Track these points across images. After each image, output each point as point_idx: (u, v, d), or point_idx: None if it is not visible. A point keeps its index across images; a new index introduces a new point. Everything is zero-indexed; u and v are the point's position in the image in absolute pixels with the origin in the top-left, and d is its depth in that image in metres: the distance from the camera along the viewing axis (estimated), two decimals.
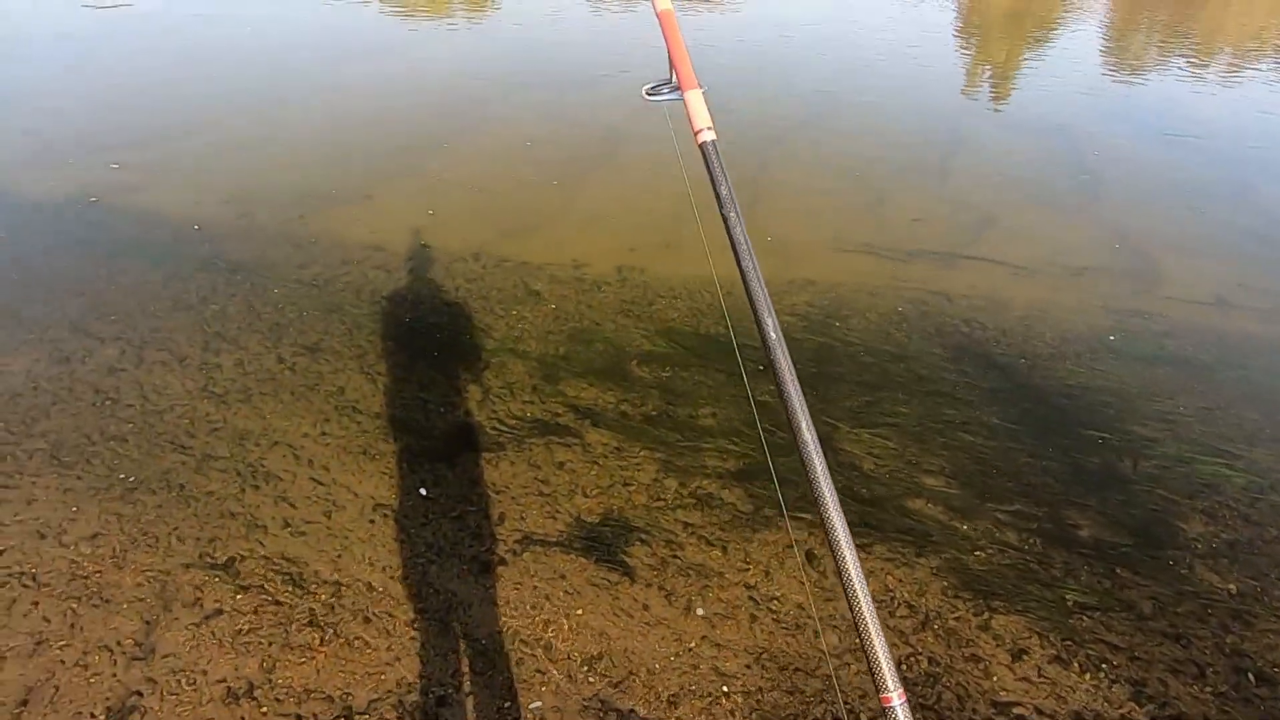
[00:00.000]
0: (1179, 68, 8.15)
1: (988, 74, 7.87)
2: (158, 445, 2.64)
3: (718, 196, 1.02)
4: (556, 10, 9.28)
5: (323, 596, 2.14)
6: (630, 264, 3.86)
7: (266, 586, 2.16)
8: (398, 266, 3.78)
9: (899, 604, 2.17)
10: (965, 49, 8.80)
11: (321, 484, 2.52)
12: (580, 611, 2.14)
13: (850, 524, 2.36)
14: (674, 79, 1.08)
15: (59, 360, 3.01)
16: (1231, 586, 2.22)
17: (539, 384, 3.02)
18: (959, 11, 11.06)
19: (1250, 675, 1.97)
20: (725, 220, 1.02)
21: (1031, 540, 2.37)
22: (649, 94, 1.09)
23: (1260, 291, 3.81)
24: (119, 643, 1.99)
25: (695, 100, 1.04)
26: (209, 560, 2.23)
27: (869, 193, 4.80)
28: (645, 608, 2.14)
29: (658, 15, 1.11)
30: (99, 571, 2.18)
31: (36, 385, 2.88)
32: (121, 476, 2.51)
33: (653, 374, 3.12)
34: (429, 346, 3.22)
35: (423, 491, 2.50)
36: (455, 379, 3.06)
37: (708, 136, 1.04)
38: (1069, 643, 2.05)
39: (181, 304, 3.41)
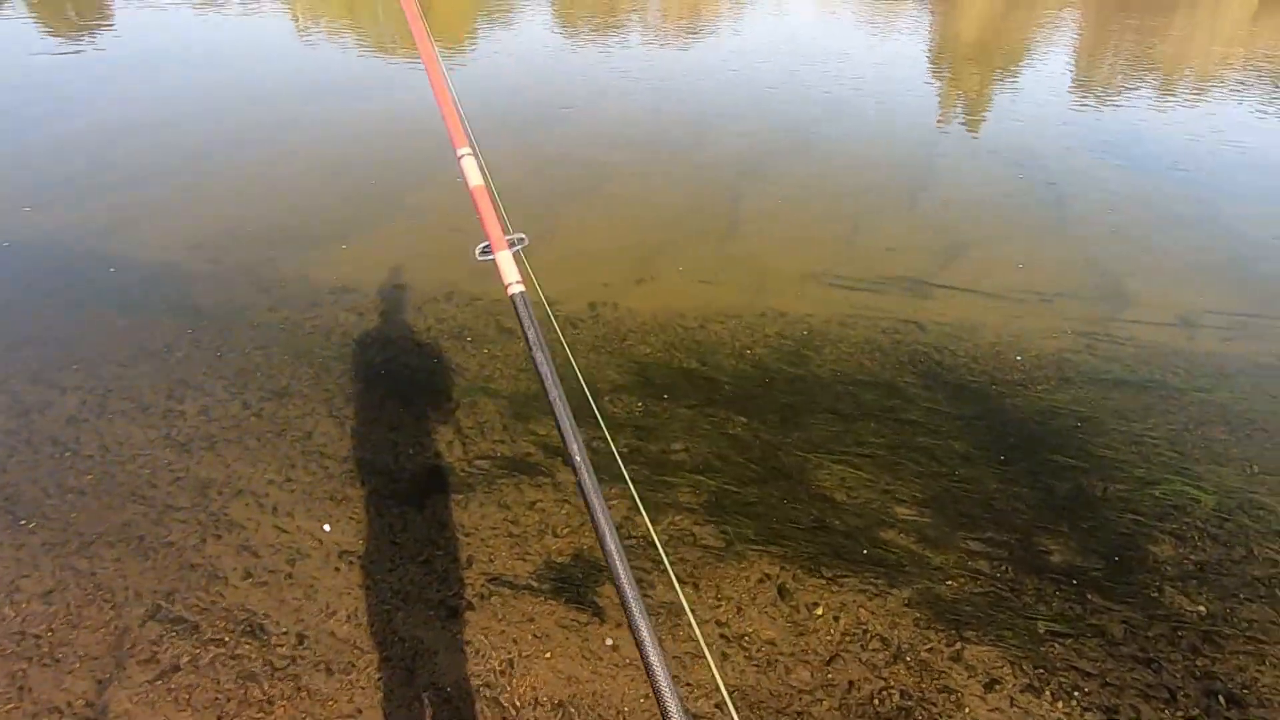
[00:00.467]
0: (1145, 95, 8.46)
1: (959, 104, 8.13)
2: (117, 497, 2.64)
3: (525, 340, 1.19)
4: (528, 46, 9.52)
5: (283, 648, 2.13)
6: (603, 299, 3.93)
7: (226, 639, 2.15)
8: (369, 308, 3.82)
9: (871, 637, 2.19)
10: (937, 79, 9.09)
11: (285, 532, 2.53)
12: (549, 655, 2.14)
13: (823, 556, 2.40)
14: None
15: (18, 413, 3.01)
16: (1201, 608, 2.26)
17: (510, 423, 3.06)
18: (930, 43, 11.45)
19: (1220, 698, 2.00)
20: (533, 360, 1.18)
21: (1003, 568, 2.41)
22: (479, 255, 1.30)
23: (1223, 313, 3.93)
24: (69, 704, 1.97)
25: (504, 260, 1.27)
26: (167, 614, 2.22)
27: (843, 223, 4.93)
28: (615, 649, 2.15)
29: (470, 191, 1.35)
30: (51, 630, 2.17)
31: None
32: (79, 530, 2.50)
33: (625, 409, 3.16)
34: (399, 388, 3.25)
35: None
36: (425, 420, 3.09)
37: (515, 290, 1.23)
38: (1041, 671, 2.08)
39: (145, 351, 3.42)
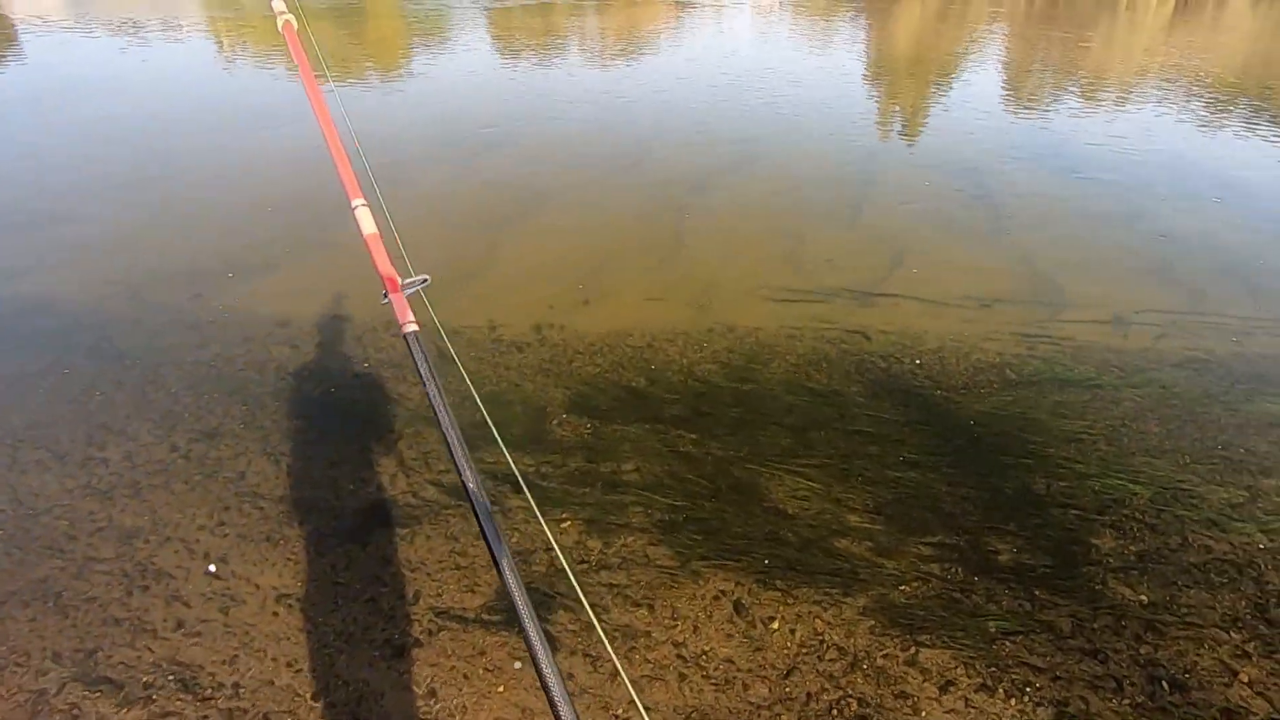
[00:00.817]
0: (1072, 104, 8.92)
1: (897, 116, 8.44)
2: (32, 553, 2.52)
3: (419, 375, 1.25)
4: (465, 68, 9.56)
5: (219, 701, 2.06)
6: (549, 322, 3.94)
7: (155, 696, 2.07)
8: (304, 341, 3.76)
9: (828, 647, 2.22)
10: (874, 93, 9.43)
11: (219, 579, 2.45)
12: (501, 689, 2.12)
13: (778, 569, 2.44)
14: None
15: None
16: (1143, 597, 2.37)
17: None
18: (866, 57, 11.89)
19: (1164, 684, 2.09)
20: (427, 394, 1.24)
21: (954, 570, 2.48)
22: (384, 301, 1.38)
23: (1154, 310, 4.15)
24: None
25: (398, 300, 1.36)
26: (88, 675, 2.12)
27: (787, 236, 5.05)
28: (570, 676, 2.14)
29: (365, 239, 1.45)
30: None
31: None
32: None
33: (574, 432, 3.17)
34: (339, 421, 3.20)
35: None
36: (367, 454, 3.04)
37: (410, 329, 1.31)
38: (993, 669, 2.14)
39: (63, 396, 3.30)
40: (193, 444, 3.04)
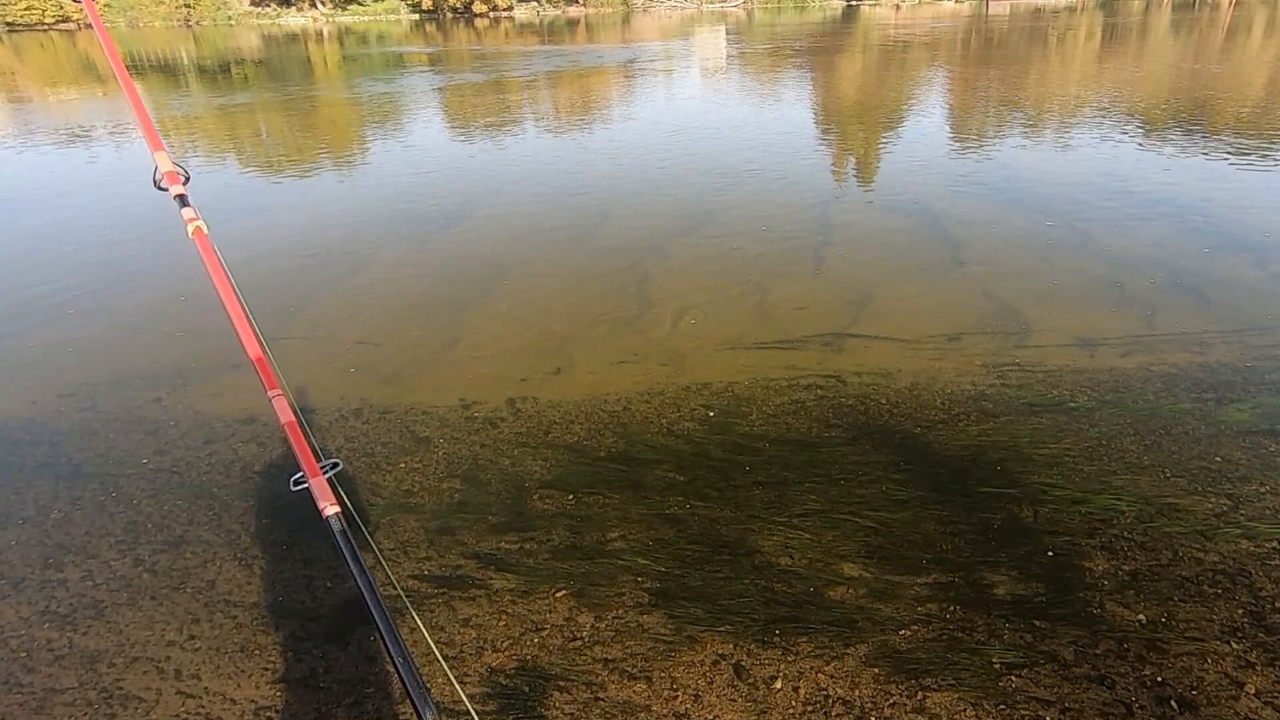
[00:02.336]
0: (1015, 138, 9.40)
1: (849, 162, 8.81)
2: None
3: (347, 564, 1.31)
4: (423, 149, 9.81)
5: None
6: (522, 394, 3.98)
7: None
8: (270, 436, 3.74)
9: (833, 701, 2.22)
10: (826, 142, 9.85)
11: (192, 696, 2.38)
12: None
13: (775, 625, 2.44)
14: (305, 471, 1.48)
15: None
16: (1141, 617, 2.41)
17: (435, 537, 3.01)
18: (814, 108, 12.45)
19: (1173, 703, 2.11)
20: (353, 574, 1.30)
21: (952, 609, 2.51)
22: (294, 486, 1.45)
23: (1116, 329, 4.32)
24: None
25: (319, 484, 1.43)
26: None
27: (752, 288, 5.19)
28: None
29: (284, 426, 1.53)
30: None
31: None
32: None
33: (555, 505, 3.17)
34: (311, 517, 3.16)
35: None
36: (328, 529, 3.01)
37: (330, 512, 1.38)
38: (1002, 707, 2.15)
39: (14, 517, 3.23)
40: (157, 555, 2.98)
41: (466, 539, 3.00)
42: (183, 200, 1.67)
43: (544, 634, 2.53)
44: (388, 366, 4.36)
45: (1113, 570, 2.60)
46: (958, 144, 9.29)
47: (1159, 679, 2.19)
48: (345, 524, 1.34)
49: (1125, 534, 2.76)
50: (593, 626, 2.56)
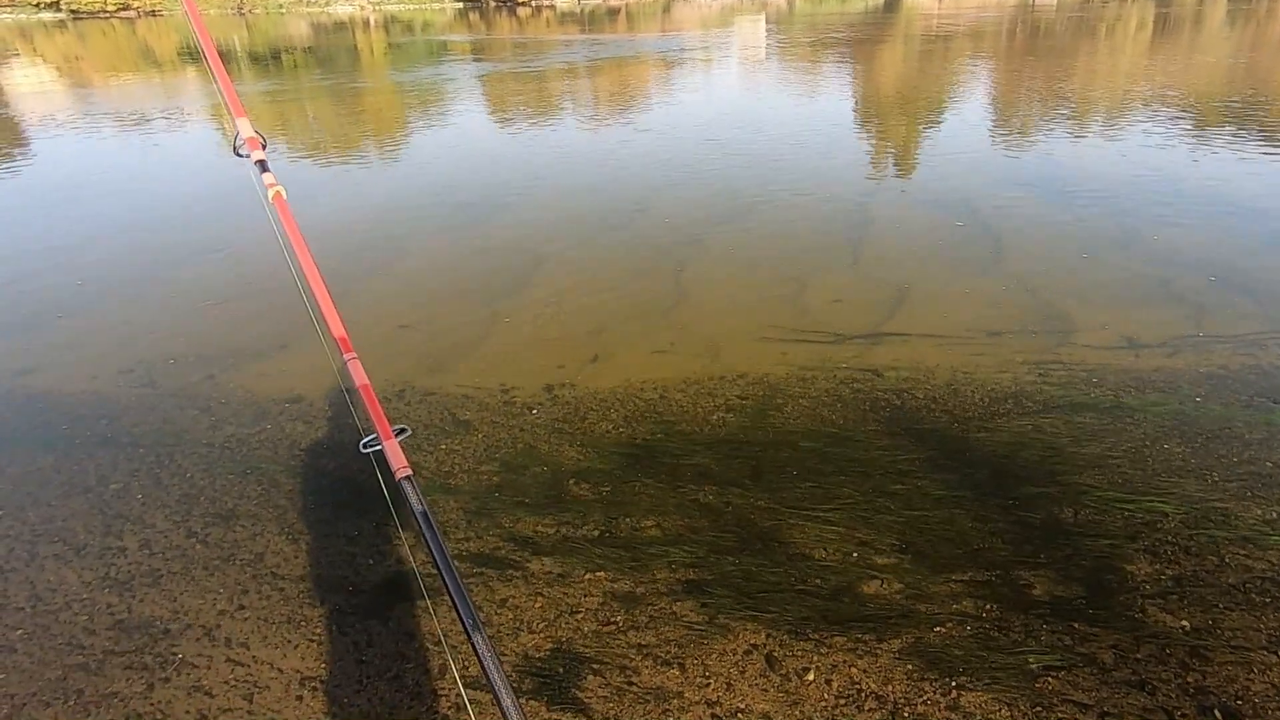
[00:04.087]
0: (1061, 131, 9.13)
1: (889, 154, 8.64)
2: (52, 650, 2.52)
3: (414, 516, 1.34)
4: (461, 137, 9.86)
5: None
6: (560, 381, 3.99)
7: None
8: (317, 415, 3.81)
9: (866, 696, 2.19)
10: (865, 134, 9.68)
11: (241, 664, 2.44)
12: None
13: (808, 618, 2.42)
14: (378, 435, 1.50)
15: None
16: (1184, 623, 2.33)
17: (473, 519, 3.04)
18: (854, 100, 12.22)
19: (1217, 712, 2.05)
20: (424, 537, 1.31)
21: (988, 607, 2.46)
22: (364, 448, 1.48)
23: (1163, 329, 4.18)
24: None
25: (392, 447, 1.46)
26: None
27: (789, 280, 5.13)
28: None
29: (359, 388, 1.54)
30: None
31: None
32: (10, 693, 2.38)
33: (592, 491, 3.18)
34: (354, 496, 3.22)
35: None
36: (384, 527, 3.06)
37: (402, 474, 1.40)
38: (1038, 709, 2.10)
39: (78, 487, 3.34)
40: (209, 528, 3.06)
41: (504, 521, 3.02)
42: (263, 165, 1.71)
43: (579, 617, 2.54)
44: (429, 350, 4.41)
45: (1156, 575, 2.52)
46: (1001, 138, 9.05)
47: (1203, 687, 2.12)
48: (416, 485, 1.37)
49: (1169, 538, 2.67)
50: (627, 612, 2.56)
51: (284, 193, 1.66)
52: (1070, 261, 5.21)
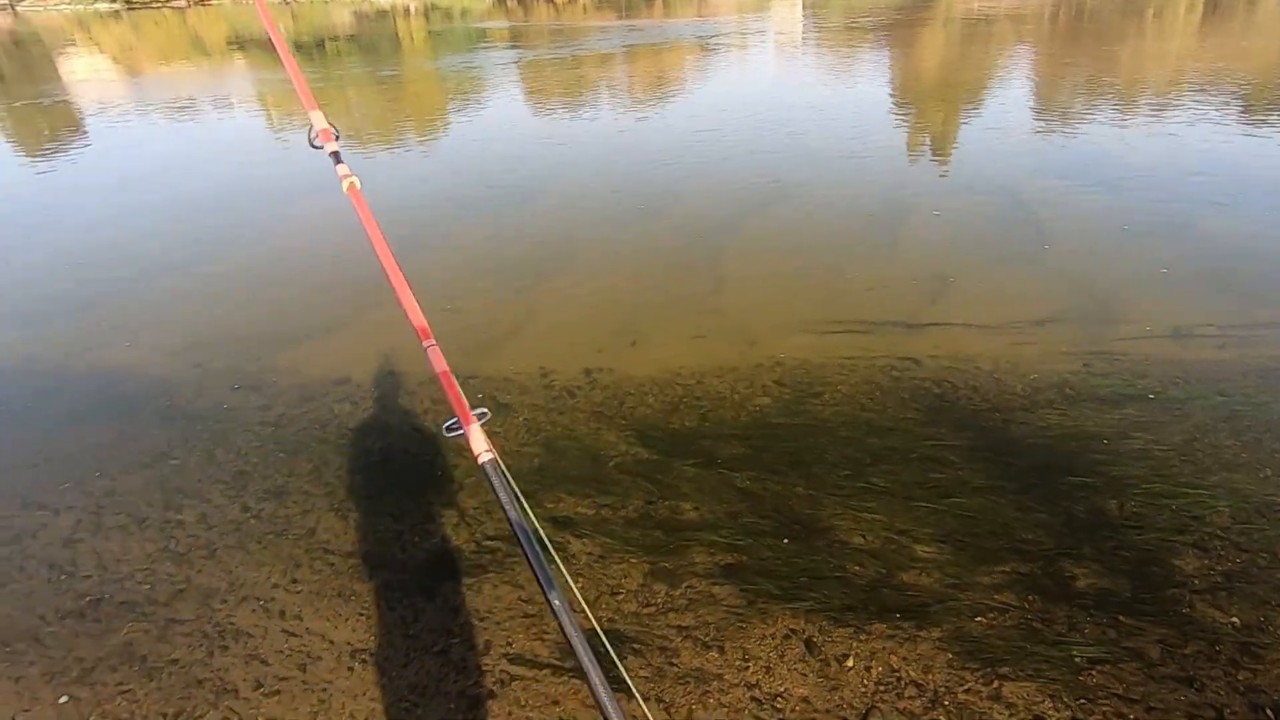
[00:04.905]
0: (1107, 117, 8.83)
1: (928, 141, 8.45)
2: (117, 617, 2.61)
3: (500, 506, 1.31)
4: (501, 125, 9.88)
5: None
6: (599, 365, 4.00)
7: None
8: (363, 397, 3.87)
9: (906, 684, 2.17)
10: (904, 120, 9.47)
11: (295, 635, 2.51)
12: None
13: (847, 604, 2.40)
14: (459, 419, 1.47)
15: (10, 539, 3.00)
16: (1235, 619, 2.27)
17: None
18: (892, 85, 11.96)
19: (1269, 710, 1.99)
20: (508, 518, 1.29)
21: (1031, 598, 2.41)
22: (448, 432, 1.44)
23: (1213, 320, 4.03)
24: None
25: (474, 431, 1.42)
26: None
27: (827, 268, 5.06)
28: None
29: (439, 375, 1.53)
30: None
31: None
32: (79, 657, 2.47)
33: (631, 474, 3.18)
34: (400, 475, 3.27)
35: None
36: (429, 505, 3.10)
37: (486, 458, 1.36)
38: (1083, 702, 2.06)
39: (138, 463, 3.44)
40: (262, 503, 3.13)
41: (545, 502, 3.04)
42: (336, 157, 1.72)
43: (620, 598, 2.56)
44: (471, 334, 4.44)
45: (1205, 570, 2.45)
46: (1044, 123, 8.78)
47: (1254, 685, 2.06)
48: (501, 468, 1.35)
49: (1219, 533, 2.59)
50: (667, 594, 2.57)
51: (358, 183, 1.67)
52: (1116, 249, 5.06)
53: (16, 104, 13.45)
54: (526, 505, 1.33)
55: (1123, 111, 9.11)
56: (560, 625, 1.18)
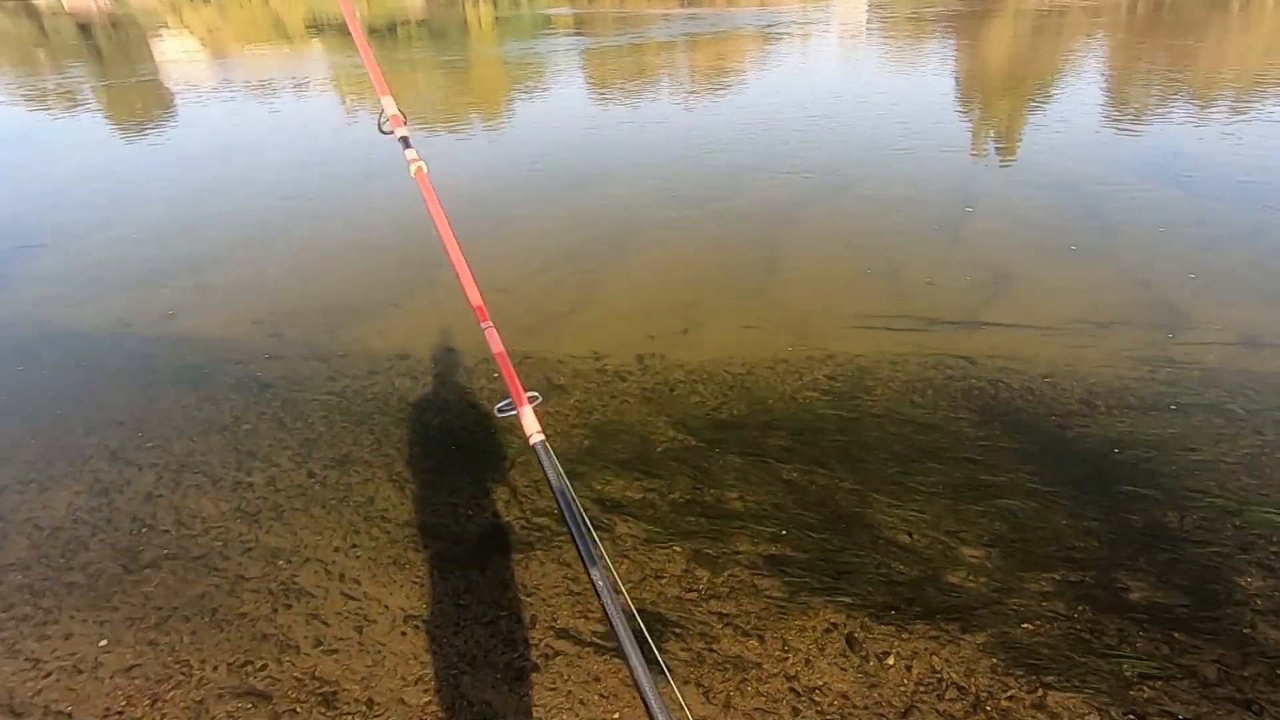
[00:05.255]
0: (1183, 114, 8.34)
1: (992, 135, 8.13)
2: (192, 570, 2.73)
3: (549, 486, 1.33)
4: (564, 111, 9.88)
5: (355, 717, 2.16)
6: (650, 351, 3.98)
7: (299, 710, 2.19)
8: (423, 373, 3.94)
9: (947, 686, 2.12)
10: (968, 113, 9.13)
11: (353, 599, 2.58)
12: (616, 716, 2.12)
13: (890, 602, 2.35)
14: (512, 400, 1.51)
15: (99, 492, 3.16)
16: None
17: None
18: (958, 76, 11.53)
19: None
20: (555, 495, 1.31)
21: (1081, 608, 2.32)
22: (499, 412, 1.50)
23: None
24: None
25: (526, 414, 1.47)
26: (242, 687, 2.27)
27: (884, 262, 4.93)
28: (682, 706, 2.12)
29: (495, 356, 1.56)
30: (131, 704, 2.24)
31: (77, 518, 3.02)
32: (157, 605, 2.59)
33: (678, 460, 3.17)
34: (456, 450, 3.33)
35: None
36: (483, 481, 3.15)
37: (536, 439, 1.41)
38: (1131, 717, 1.98)
39: (215, 425, 3.58)
40: (327, 470, 3.22)
41: (594, 484, 3.05)
42: (405, 142, 1.75)
43: (663, 582, 2.55)
44: (527, 316, 4.47)
45: (1269, 590, 2.32)
46: (1116, 120, 8.35)
47: None
48: (550, 450, 1.39)
49: None
50: (709, 581, 2.55)
51: (425, 168, 1.69)
52: (1187, 252, 4.79)
53: (112, 81, 14.04)
54: (571, 488, 1.33)
55: (1201, 108, 8.59)
56: (601, 603, 1.20)
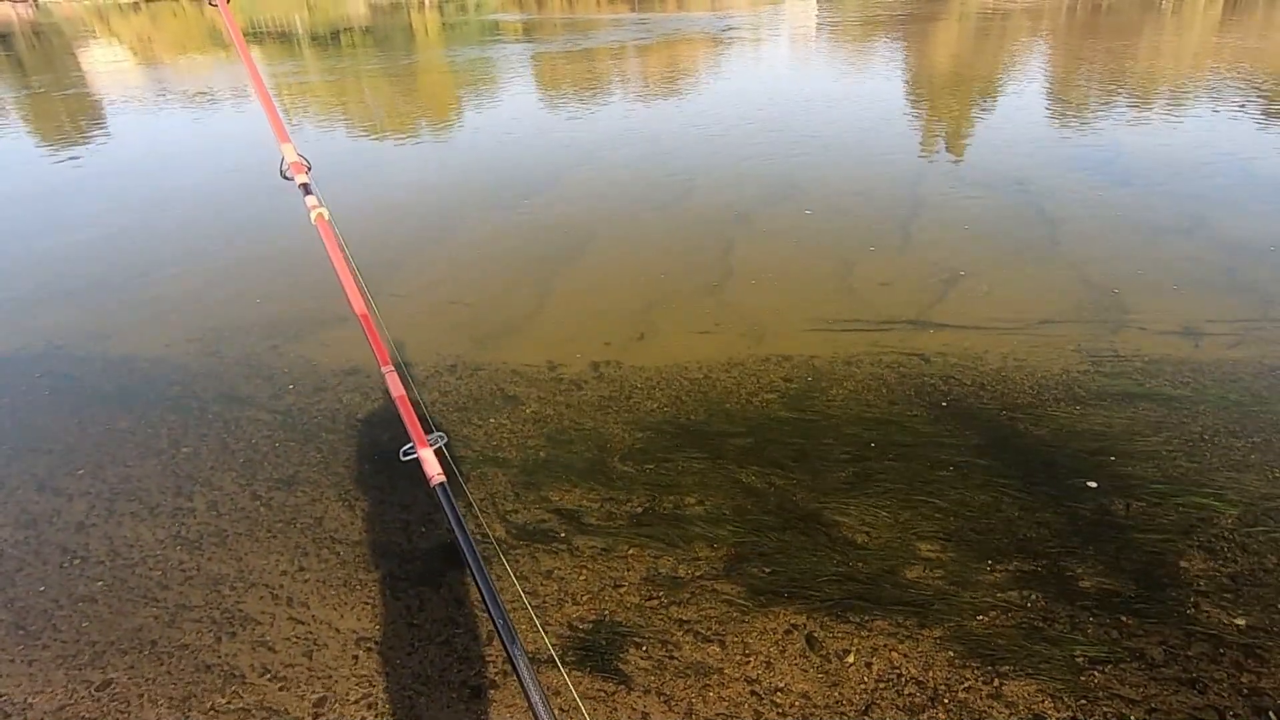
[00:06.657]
0: (1122, 113, 8.72)
1: (941, 136, 8.37)
2: (128, 601, 2.64)
3: (450, 523, 1.37)
4: (513, 116, 9.86)
5: None
6: (606, 359, 3.99)
7: None
8: (373, 388, 3.89)
9: (906, 680, 2.16)
10: (917, 113, 9.38)
11: (301, 623, 2.52)
12: None
13: (849, 600, 2.39)
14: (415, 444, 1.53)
15: (25, 523, 3.04)
16: (1240, 621, 2.24)
17: (521, 491, 3.08)
18: (906, 79, 11.85)
19: (1272, 714, 1.97)
20: (457, 541, 1.33)
21: (1033, 597, 2.40)
22: (404, 457, 1.53)
23: (1226, 319, 3.98)
24: None
25: (427, 455, 1.51)
26: None
27: (836, 262, 5.03)
28: (644, 716, 2.13)
29: (396, 400, 1.57)
30: None
31: (1, 552, 2.89)
32: (91, 640, 2.50)
33: (636, 468, 3.18)
34: (407, 466, 3.27)
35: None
36: (437, 496, 3.10)
37: (437, 480, 1.44)
38: (1084, 702, 2.05)
39: (151, 449, 3.47)
40: (272, 491, 3.15)
41: (551, 495, 3.05)
42: (306, 189, 1.75)
43: (622, 590, 2.56)
44: (479, 326, 4.45)
45: (1211, 571, 2.42)
46: (1058, 119, 8.68)
47: (1257, 688, 2.04)
48: (449, 493, 1.39)
49: (1226, 534, 2.56)
50: (669, 588, 2.57)
51: (327, 215, 1.70)
52: (1129, 248, 4.99)
53: (36, 92, 13.55)
54: (470, 535, 1.35)
55: (1139, 107, 8.99)
56: (503, 646, 1.24)
